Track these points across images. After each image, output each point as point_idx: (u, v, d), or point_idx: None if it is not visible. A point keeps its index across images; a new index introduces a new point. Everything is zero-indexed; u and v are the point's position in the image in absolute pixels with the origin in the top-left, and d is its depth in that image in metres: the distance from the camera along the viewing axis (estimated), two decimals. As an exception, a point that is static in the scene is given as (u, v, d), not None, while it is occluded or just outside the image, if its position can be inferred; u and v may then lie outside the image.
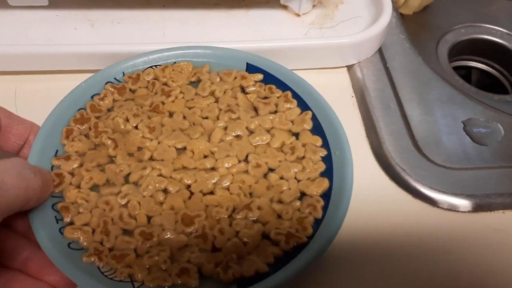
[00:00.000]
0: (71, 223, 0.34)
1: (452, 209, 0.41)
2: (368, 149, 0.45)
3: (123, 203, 0.35)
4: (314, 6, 0.53)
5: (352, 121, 0.45)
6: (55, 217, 0.34)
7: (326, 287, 0.37)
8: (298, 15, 0.53)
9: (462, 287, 0.37)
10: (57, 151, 0.38)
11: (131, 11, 0.53)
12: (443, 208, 0.41)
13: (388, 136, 0.45)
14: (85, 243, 0.33)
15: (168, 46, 0.45)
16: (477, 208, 0.41)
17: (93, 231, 0.34)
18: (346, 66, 0.51)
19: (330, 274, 0.37)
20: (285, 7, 0.53)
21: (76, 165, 0.37)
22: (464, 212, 0.41)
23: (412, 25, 0.67)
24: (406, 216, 0.41)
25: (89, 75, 0.44)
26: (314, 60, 0.50)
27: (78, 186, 0.36)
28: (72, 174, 0.37)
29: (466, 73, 0.71)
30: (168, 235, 0.34)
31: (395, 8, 0.56)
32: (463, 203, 0.41)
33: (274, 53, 0.46)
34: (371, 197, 0.41)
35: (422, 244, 0.39)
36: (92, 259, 0.33)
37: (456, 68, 0.68)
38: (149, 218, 0.35)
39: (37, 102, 0.46)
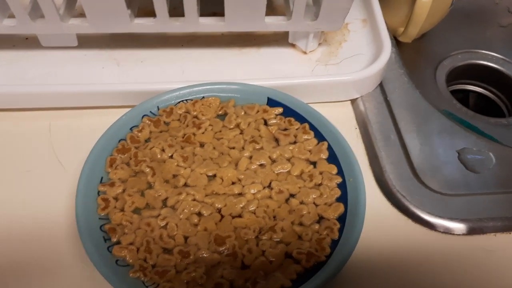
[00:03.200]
0: (118, 242, 0.38)
1: (448, 232, 0.43)
2: (371, 177, 0.47)
3: (162, 224, 0.39)
4: (319, 44, 0.56)
5: (356, 151, 0.45)
6: (103, 237, 0.38)
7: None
8: (305, 52, 0.55)
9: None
10: (102, 178, 0.41)
11: (152, 51, 0.55)
12: (440, 232, 0.43)
13: (389, 165, 0.47)
14: (131, 260, 0.37)
15: (187, 84, 0.47)
16: (471, 231, 0.43)
17: (137, 249, 0.37)
18: (350, 100, 0.53)
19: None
20: (293, 45, 0.56)
21: (119, 191, 0.40)
22: (459, 235, 0.43)
23: (411, 52, 0.68)
24: (407, 239, 0.43)
25: (117, 110, 0.47)
26: (320, 95, 0.52)
27: (122, 209, 0.39)
28: (116, 198, 0.40)
29: (463, 97, 0.73)
30: (203, 254, 0.37)
31: (394, 44, 0.58)
32: (458, 227, 0.43)
33: (286, 89, 0.48)
34: (375, 222, 0.43)
35: (421, 265, 0.41)
36: (138, 275, 0.36)
37: (454, 92, 0.70)
38: (185, 238, 0.38)
39: (70, 135, 0.49)
